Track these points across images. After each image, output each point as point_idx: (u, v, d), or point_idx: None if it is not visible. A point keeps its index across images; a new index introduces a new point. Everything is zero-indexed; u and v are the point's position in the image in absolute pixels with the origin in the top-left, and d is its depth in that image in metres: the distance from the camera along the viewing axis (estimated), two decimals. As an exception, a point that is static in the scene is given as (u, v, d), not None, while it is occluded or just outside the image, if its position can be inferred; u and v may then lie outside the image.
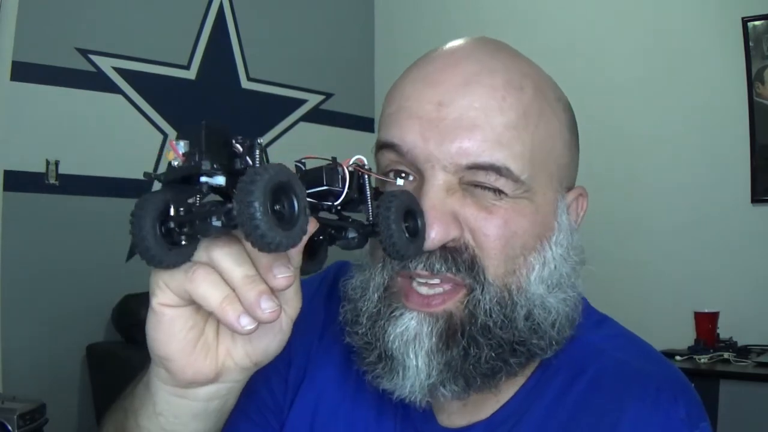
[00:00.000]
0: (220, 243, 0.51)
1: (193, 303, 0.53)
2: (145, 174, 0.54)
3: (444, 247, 0.65)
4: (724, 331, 2.76)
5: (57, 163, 2.69)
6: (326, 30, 3.68)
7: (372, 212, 0.57)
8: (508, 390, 0.72)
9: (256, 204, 0.44)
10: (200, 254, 0.51)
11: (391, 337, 0.65)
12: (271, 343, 0.56)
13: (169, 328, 0.53)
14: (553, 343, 0.69)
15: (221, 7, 3.28)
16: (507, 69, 0.68)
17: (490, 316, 0.65)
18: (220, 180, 0.48)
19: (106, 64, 2.88)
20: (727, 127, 2.99)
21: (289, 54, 3.49)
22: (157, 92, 3.02)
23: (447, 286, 0.66)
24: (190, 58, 3.17)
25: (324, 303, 0.82)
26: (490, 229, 0.65)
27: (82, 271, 2.66)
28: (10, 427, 1.80)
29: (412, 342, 0.64)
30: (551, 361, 0.72)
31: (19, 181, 2.63)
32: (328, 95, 3.63)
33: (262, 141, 0.50)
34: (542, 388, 0.71)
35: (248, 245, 0.48)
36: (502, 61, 0.69)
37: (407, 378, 0.65)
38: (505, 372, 0.67)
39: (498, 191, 0.66)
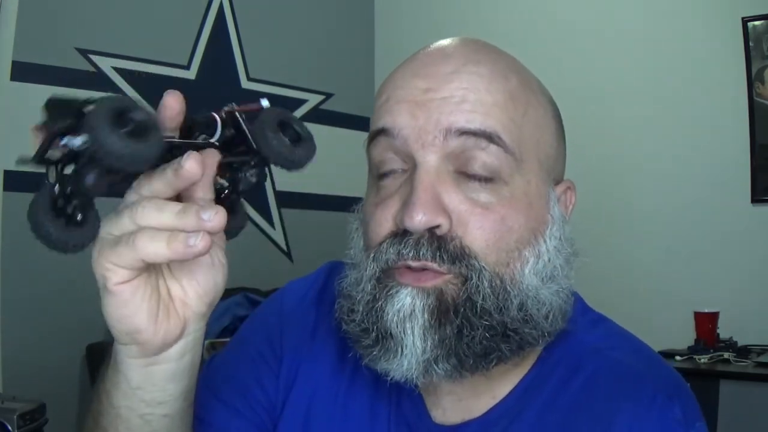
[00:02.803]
0: (137, 206, 0.52)
1: (144, 270, 0.53)
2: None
3: (433, 234, 0.66)
4: (724, 331, 2.76)
5: (57, 163, 2.69)
6: (326, 30, 3.67)
7: (251, 139, 0.57)
8: (503, 387, 0.72)
9: (99, 126, 0.45)
10: (126, 224, 0.52)
11: (389, 315, 0.66)
12: (216, 279, 0.57)
13: (132, 302, 0.53)
14: (546, 334, 0.69)
15: (221, 7, 3.27)
16: (492, 61, 0.70)
17: (486, 300, 0.66)
18: (77, 141, 0.48)
19: (106, 64, 2.88)
20: (727, 127, 2.99)
21: (289, 54, 3.49)
22: (157, 92, 3.01)
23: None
24: (190, 58, 3.17)
25: (315, 302, 0.83)
26: (486, 224, 0.66)
27: (82, 271, 2.64)
28: (10, 427, 1.80)
29: (409, 318, 0.65)
30: (547, 360, 0.72)
31: (19, 181, 2.62)
32: (328, 95, 3.63)
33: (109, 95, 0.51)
34: (538, 387, 0.72)
35: (160, 189, 0.52)
36: (487, 55, 0.71)
37: (404, 356, 0.65)
38: (497, 356, 0.67)
39: (493, 178, 0.66)
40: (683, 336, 2.77)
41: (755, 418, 2.54)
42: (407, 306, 0.65)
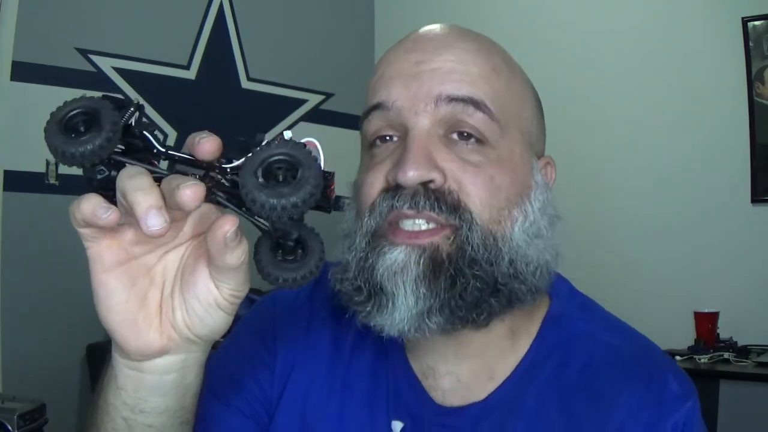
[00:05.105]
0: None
1: (128, 264, 0.54)
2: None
3: (428, 189, 0.68)
4: (724, 331, 2.76)
5: (57, 163, 2.69)
6: (326, 30, 3.68)
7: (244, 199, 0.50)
8: (501, 369, 0.75)
9: (49, 120, 0.49)
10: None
11: (380, 271, 0.68)
12: (209, 319, 0.55)
13: (106, 300, 0.54)
14: (534, 289, 0.72)
15: (221, 7, 3.28)
16: (477, 40, 0.76)
17: (477, 251, 0.68)
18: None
19: (106, 64, 2.88)
20: (727, 127, 2.99)
21: (289, 54, 3.49)
22: (157, 92, 3.02)
23: (432, 225, 0.69)
24: (190, 58, 3.17)
25: (308, 297, 0.85)
26: (477, 182, 0.70)
27: (82, 271, 2.64)
28: (10, 427, 1.80)
29: (400, 273, 0.67)
30: (542, 342, 0.76)
31: (19, 181, 2.63)
32: (328, 95, 3.63)
33: (138, 103, 0.52)
34: (536, 369, 0.74)
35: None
36: (473, 35, 0.77)
37: (396, 309, 0.67)
38: (487, 310, 0.69)
39: (479, 141, 0.70)
40: (683, 336, 2.78)
41: (755, 418, 2.54)
42: (399, 262, 0.68)
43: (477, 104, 0.70)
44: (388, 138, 0.73)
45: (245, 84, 3.36)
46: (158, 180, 0.51)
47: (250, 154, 0.49)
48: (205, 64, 3.20)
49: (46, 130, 0.49)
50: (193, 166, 0.52)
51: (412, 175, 0.67)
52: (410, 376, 0.75)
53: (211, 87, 3.21)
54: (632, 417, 0.69)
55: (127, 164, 0.51)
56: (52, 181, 2.71)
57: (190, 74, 3.17)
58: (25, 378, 2.53)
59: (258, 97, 3.37)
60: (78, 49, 2.80)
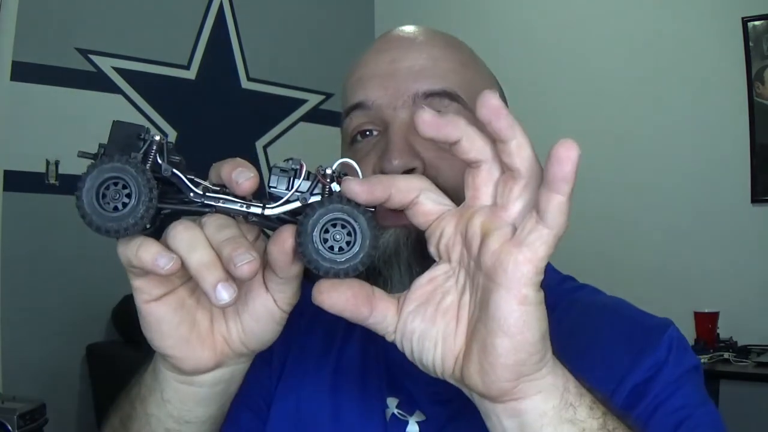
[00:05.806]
0: (179, 228, 0.52)
1: (174, 291, 0.54)
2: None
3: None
4: (724, 331, 2.77)
5: (57, 163, 2.69)
6: (326, 30, 3.68)
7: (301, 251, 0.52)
8: None
9: (79, 194, 0.48)
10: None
11: (376, 257, 0.70)
12: (264, 333, 0.58)
13: (158, 326, 0.55)
14: None
15: (221, 7, 3.28)
16: (444, 38, 0.81)
17: None
18: None
19: (106, 64, 2.88)
20: (727, 127, 2.99)
21: (289, 54, 3.50)
22: (157, 92, 3.02)
23: None
24: (190, 58, 3.17)
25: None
26: (456, 166, 0.71)
27: (82, 271, 2.66)
28: (10, 427, 1.81)
29: (395, 255, 0.70)
30: None
31: (19, 181, 2.63)
32: (328, 95, 3.63)
33: (159, 138, 0.51)
34: None
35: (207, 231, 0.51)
36: (439, 34, 0.81)
37: (394, 288, 0.69)
38: None
39: None
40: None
41: (755, 418, 2.54)
42: (391, 244, 0.70)
43: (451, 96, 0.75)
44: (368, 133, 0.76)
45: (245, 84, 3.36)
46: (196, 212, 0.52)
47: (305, 212, 0.50)
48: (205, 64, 3.20)
49: (78, 207, 0.48)
50: (233, 205, 0.52)
51: (397, 163, 0.70)
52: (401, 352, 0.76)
53: (211, 87, 3.21)
54: (622, 345, 0.73)
55: (169, 209, 0.51)
56: (52, 181, 2.71)
57: (190, 74, 3.17)
58: (25, 378, 2.53)
59: (258, 97, 3.37)
60: (78, 49, 2.80)
